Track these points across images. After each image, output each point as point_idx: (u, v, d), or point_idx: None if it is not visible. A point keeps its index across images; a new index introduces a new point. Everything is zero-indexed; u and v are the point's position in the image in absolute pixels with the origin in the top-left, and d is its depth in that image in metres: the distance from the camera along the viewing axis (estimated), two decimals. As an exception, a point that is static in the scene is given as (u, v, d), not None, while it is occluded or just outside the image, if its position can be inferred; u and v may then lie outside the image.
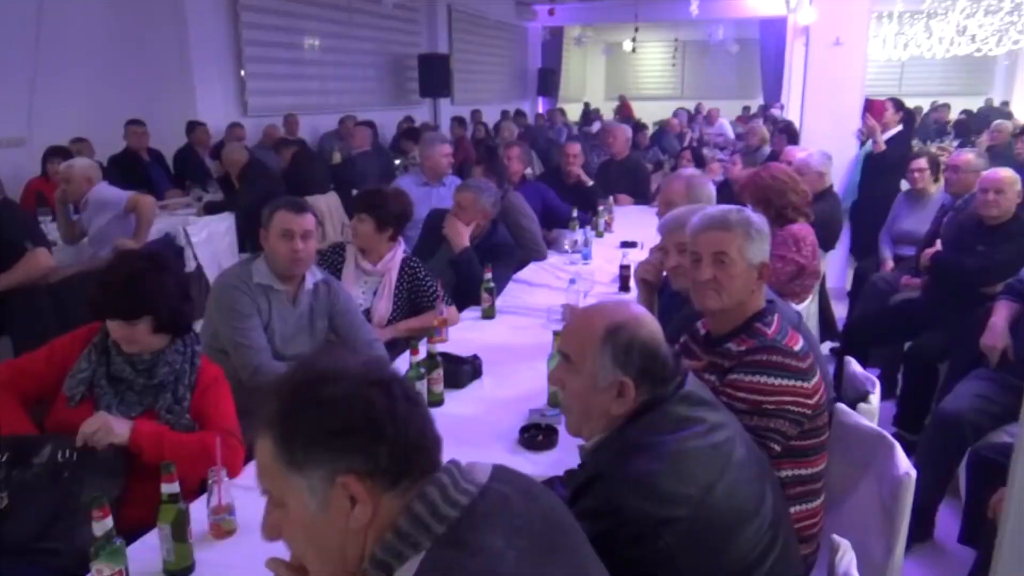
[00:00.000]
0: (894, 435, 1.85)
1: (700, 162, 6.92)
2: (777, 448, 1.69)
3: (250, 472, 1.92)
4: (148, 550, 1.57)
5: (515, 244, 3.82)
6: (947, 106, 12.53)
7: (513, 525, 0.95)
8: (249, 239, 5.17)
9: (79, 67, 6.14)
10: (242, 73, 7.76)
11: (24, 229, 3.72)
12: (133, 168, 6.16)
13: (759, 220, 1.86)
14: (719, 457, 1.30)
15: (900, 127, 5.87)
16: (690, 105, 14.81)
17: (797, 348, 1.73)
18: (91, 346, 1.96)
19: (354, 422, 0.93)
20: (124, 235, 4.22)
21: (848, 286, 5.50)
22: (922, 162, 4.75)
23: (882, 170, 5.63)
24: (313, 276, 2.62)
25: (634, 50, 13.48)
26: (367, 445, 0.93)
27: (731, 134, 11.91)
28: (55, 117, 5.86)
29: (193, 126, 6.91)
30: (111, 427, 1.80)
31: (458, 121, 9.91)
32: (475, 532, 0.92)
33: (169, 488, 1.52)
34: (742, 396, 1.66)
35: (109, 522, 1.41)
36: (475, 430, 2.14)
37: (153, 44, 6.76)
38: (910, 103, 6.81)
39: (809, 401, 1.70)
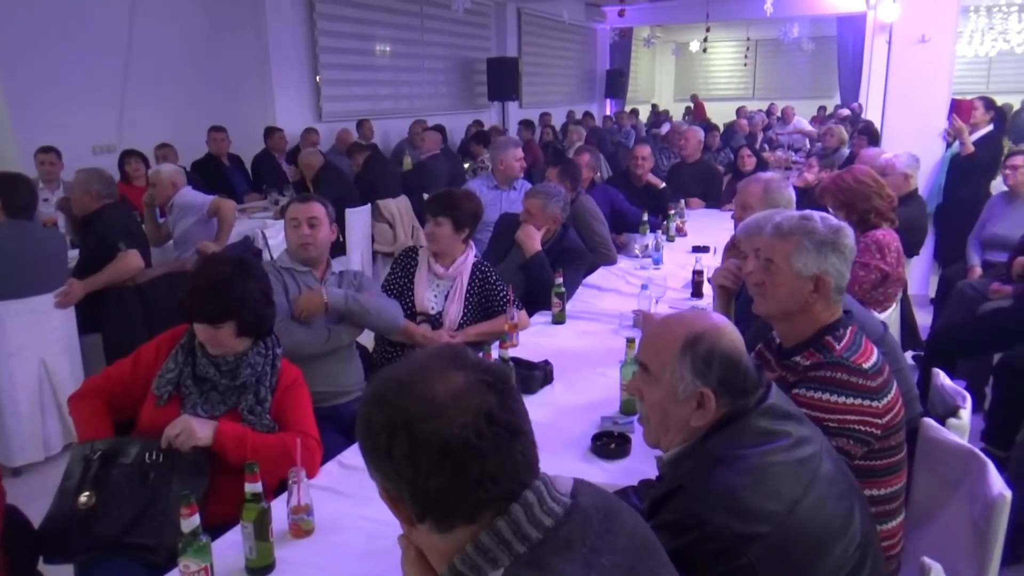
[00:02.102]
0: (982, 451, 1.77)
1: (761, 163, 6.70)
2: None
3: (327, 472, 1.97)
4: (230, 547, 1.62)
5: (585, 248, 3.80)
6: (1040, 103, 11.91)
7: (594, 547, 0.93)
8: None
9: (166, 77, 6.43)
10: (317, 79, 7.96)
11: (120, 231, 3.90)
12: (214, 173, 6.41)
13: (826, 230, 1.73)
14: (804, 472, 1.26)
15: (991, 127, 5.62)
16: (762, 105, 14.46)
17: (867, 365, 1.64)
18: (178, 347, 2.04)
19: (381, 454, 0.92)
20: (207, 238, 4.37)
21: (931, 293, 5.29)
22: (1018, 159, 4.52)
23: (970, 172, 5.40)
24: (339, 265, 2.85)
25: (705, 50, 13.25)
26: (396, 477, 0.92)
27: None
28: (143, 124, 6.15)
29: (271, 132, 7.13)
30: (194, 430, 1.86)
31: (525, 124, 9.93)
32: (557, 555, 0.90)
33: (253, 488, 1.56)
34: (803, 413, 1.60)
35: (196, 519, 1.46)
36: (547, 436, 2.10)
37: (235, 53, 7.02)
38: (999, 100, 6.49)
39: (878, 421, 1.62)
